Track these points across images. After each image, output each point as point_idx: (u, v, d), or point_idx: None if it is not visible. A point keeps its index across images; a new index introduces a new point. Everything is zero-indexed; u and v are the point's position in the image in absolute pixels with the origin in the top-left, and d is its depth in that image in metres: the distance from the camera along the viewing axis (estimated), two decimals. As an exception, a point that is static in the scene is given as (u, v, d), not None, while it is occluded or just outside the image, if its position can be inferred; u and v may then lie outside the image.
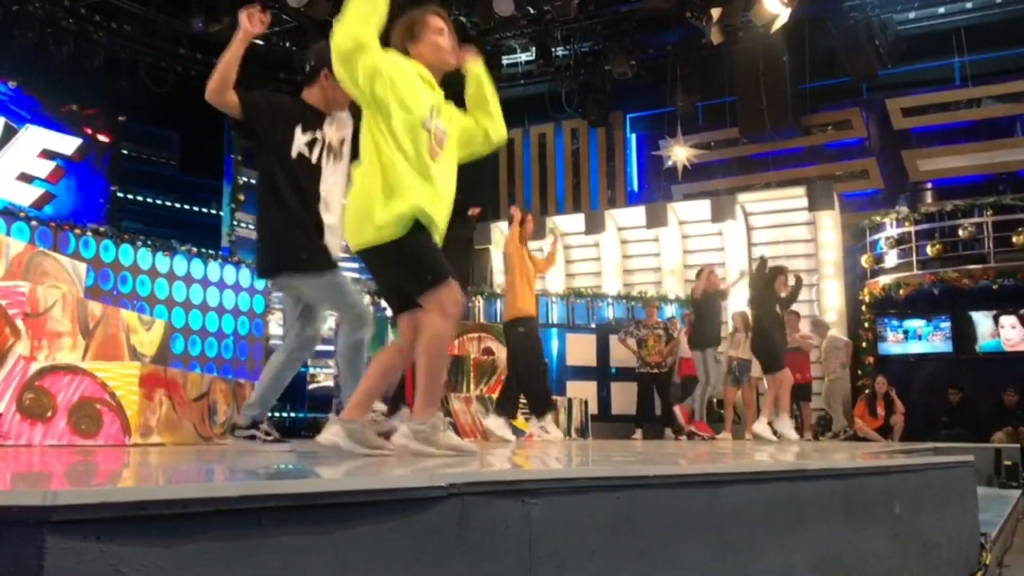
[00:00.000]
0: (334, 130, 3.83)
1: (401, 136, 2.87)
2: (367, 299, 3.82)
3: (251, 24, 3.55)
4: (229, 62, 3.55)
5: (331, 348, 12.49)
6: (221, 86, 3.55)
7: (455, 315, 2.89)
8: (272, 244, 3.73)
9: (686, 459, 3.16)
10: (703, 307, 9.60)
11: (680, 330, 11.25)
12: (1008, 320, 11.59)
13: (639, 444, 7.38)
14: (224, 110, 3.63)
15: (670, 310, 12.89)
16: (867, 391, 11.31)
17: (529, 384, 7.21)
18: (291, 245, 3.65)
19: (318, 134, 3.76)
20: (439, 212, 2.94)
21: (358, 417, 2.91)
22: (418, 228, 2.86)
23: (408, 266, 2.89)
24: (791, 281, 8.88)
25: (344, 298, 3.83)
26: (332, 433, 2.90)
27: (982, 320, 11.77)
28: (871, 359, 12.30)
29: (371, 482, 1.44)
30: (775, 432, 8.38)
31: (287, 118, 3.72)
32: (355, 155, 3.41)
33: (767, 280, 8.78)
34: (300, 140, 3.70)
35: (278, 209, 3.65)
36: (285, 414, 12.97)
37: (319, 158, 3.74)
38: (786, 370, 8.52)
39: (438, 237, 2.96)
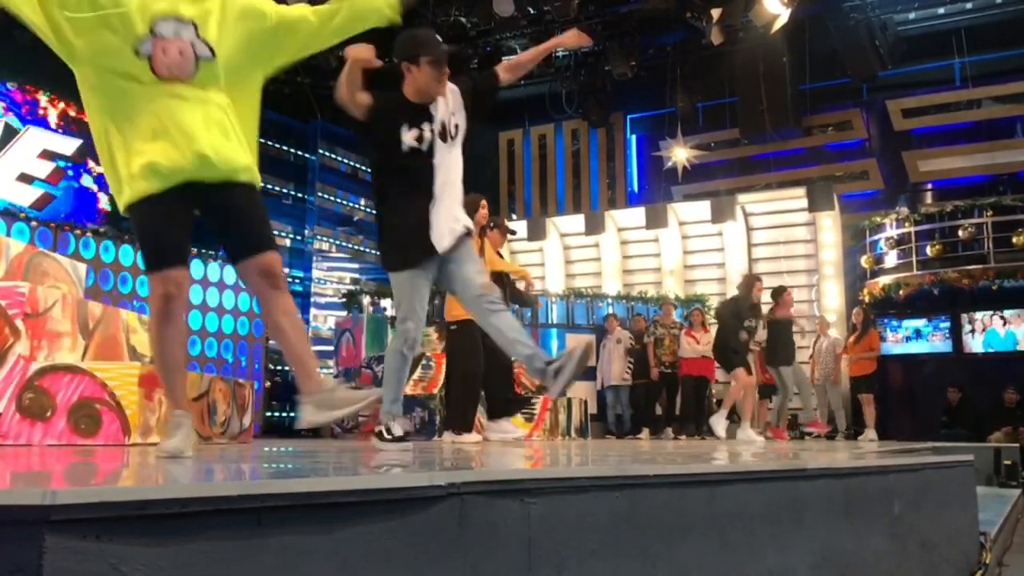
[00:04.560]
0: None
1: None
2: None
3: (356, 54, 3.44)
4: (342, 79, 3.54)
5: (330, 348, 12.50)
6: (347, 97, 3.57)
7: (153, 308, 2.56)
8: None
9: (685, 459, 3.15)
10: (777, 329, 9.31)
11: (684, 329, 11.23)
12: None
13: (645, 444, 7.36)
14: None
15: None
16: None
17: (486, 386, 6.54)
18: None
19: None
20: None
21: (316, 387, 2.69)
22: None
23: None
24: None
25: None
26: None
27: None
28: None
29: (370, 482, 1.44)
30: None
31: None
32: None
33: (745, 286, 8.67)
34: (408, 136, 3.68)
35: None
36: (285, 414, 12.96)
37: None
38: (751, 377, 8.35)
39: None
